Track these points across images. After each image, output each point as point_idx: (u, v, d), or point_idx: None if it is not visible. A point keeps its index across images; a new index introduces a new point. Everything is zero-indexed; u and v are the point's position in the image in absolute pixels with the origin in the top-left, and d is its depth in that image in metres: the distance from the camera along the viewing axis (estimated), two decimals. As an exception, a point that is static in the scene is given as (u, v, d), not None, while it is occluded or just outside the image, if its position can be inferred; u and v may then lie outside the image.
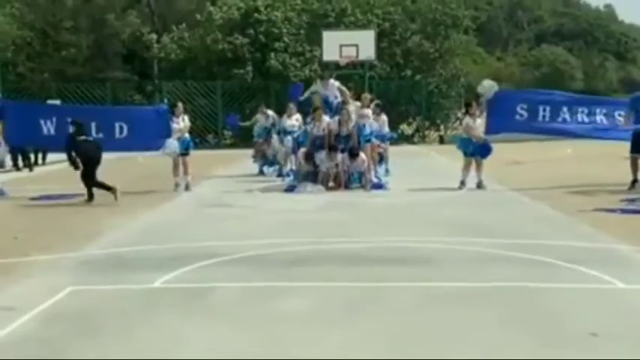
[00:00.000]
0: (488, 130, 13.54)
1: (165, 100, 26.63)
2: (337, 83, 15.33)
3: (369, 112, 14.49)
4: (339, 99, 14.83)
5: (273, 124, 17.26)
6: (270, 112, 17.71)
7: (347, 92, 15.16)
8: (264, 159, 17.31)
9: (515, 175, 15.33)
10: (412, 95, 32.58)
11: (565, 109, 14.01)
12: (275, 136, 17.01)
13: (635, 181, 12.71)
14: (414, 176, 15.58)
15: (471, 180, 13.42)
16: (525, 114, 13.90)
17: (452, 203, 11.74)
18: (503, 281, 6.34)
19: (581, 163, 17.06)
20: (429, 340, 4.82)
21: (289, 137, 16.03)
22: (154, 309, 5.63)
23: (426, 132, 33.04)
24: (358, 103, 14.74)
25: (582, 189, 12.81)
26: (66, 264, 7.35)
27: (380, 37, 30.39)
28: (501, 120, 13.66)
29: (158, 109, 14.84)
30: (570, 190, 12.71)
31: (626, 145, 13.17)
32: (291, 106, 16.96)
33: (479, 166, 13.47)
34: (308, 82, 22.59)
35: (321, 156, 13.53)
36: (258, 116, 17.76)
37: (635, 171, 12.76)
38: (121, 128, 13.57)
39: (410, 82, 32.79)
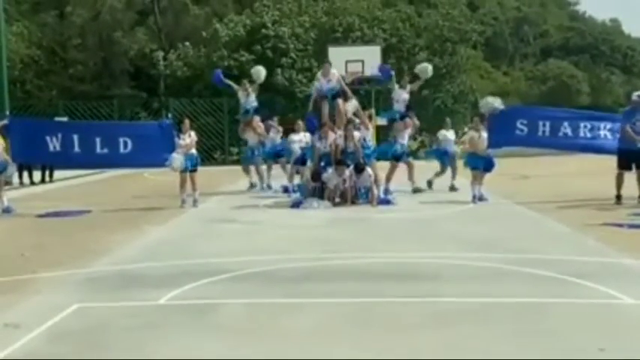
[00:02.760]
0: (490, 144, 13.62)
1: (169, 116, 26.69)
2: (338, 74, 15.19)
3: (368, 124, 14.54)
4: (337, 87, 14.76)
5: (257, 110, 16.71)
6: (252, 90, 16.82)
7: (348, 90, 15.10)
8: (251, 153, 16.75)
9: (522, 190, 15.30)
10: (419, 111, 32.51)
11: (566, 124, 14.08)
12: (257, 118, 16.57)
13: (619, 196, 12.70)
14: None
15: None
16: (525, 129, 14.04)
17: (459, 218, 11.72)
18: (512, 297, 6.31)
19: (588, 178, 17.01)
20: (437, 356, 4.80)
21: (297, 146, 16.07)
22: (160, 326, 5.62)
23: (433, 147, 32.95)
24: (356, 103, 14.73)
25: (589, 203, 12.78)
26: (73, 281, 7.35)
27: (387, 52, 30.42)
28: (502, 135, 13.80)
29: (162, 123, 14.82)
30: (577, 205, 12.69)
31: None
32: (299, 122, 17.02)
33: (480, 179, 13.56)
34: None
35: (328, 174, 13.53)
36: (240, 93, 16.97)
37: (619, 187, 12.74)
38: (125, 143, 13.57)
39: (416, 97, 32.77)
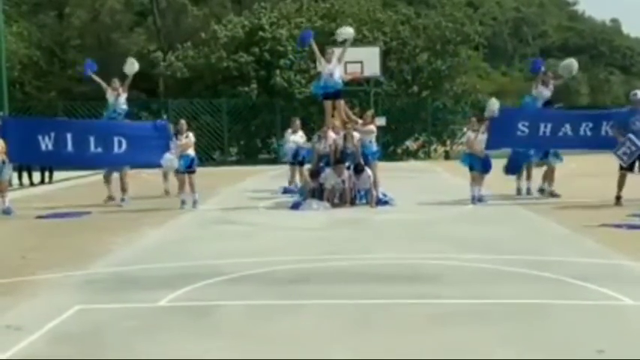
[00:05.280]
0: (489, 145, 13.62)
1: (165, 116, 26.66)
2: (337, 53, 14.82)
3: (372, 127, 14.49)
4: (341, 84, 14.52)
5: (127, 116, 15.01)
6: (123, 90, 14.76)
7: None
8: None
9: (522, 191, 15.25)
10: (418, 112, 32.53)
11: (567, 125, 14.08)
12: (126, 121, 14.69)
13: (619, 197, 12.70)
14: (420, 192, 15.53)
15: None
16: (527, 130, 14.03)
17: (459, 219, 11.72)
18: (511, 298, 6.32)
19: (586, 179, 17.01)
20: (437, 358, 4.80)
21: (294, 146, 16.07)
22: (160, 328, 5.63)
23: (432, 148, 32.96)
24: (360, 121, 14.62)
25: (588, 204, 12.80)
26: (73, 283, 7.36)
27: (388, 54, 30.37)
28: (503, 136, 13.79)
29: (157, 123, 14.68)
30: (576, 206, 12.71)
31: None
32: (297, 122, 16.99)
33: (479, 180, 13.54)
34: (312, 100, 22.68)
35: (325, 174, 13.52)
36: (109, 93, 14.87)
37: (620, 187, 12.75)
38: (120, 142, 13.49)
39: (416, 98, 32.76)
